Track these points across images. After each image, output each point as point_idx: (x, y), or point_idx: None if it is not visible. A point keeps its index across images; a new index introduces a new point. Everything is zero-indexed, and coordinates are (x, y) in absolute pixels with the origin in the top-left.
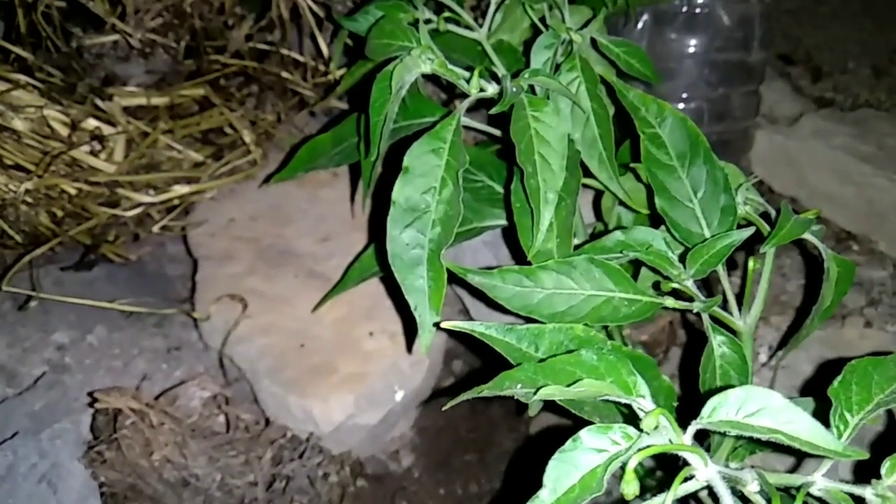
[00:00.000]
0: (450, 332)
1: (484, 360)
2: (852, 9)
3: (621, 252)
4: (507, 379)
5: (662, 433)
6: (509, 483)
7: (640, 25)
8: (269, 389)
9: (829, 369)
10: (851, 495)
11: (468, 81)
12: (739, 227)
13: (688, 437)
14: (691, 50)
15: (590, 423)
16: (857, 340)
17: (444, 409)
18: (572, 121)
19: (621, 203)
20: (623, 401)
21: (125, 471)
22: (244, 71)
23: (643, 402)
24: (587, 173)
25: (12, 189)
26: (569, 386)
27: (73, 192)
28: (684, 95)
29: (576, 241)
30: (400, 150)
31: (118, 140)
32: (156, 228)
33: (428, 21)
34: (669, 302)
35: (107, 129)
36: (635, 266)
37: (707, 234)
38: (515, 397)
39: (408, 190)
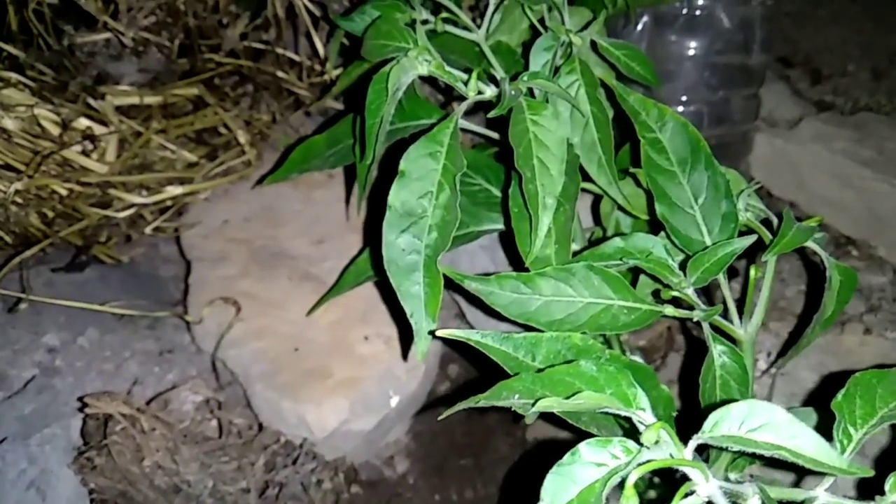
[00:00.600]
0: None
1: (480, 365)
2: (852, 11)
3: (621, 259)
4: (505, 389)
5: (663, 447)
6: (505, 489)
7: (639, 27)
8: (262, 394)
9: (830, 378)
10: None
11: (466, 84)
12: (741, 234)
13: (688, 452)
14: (691, 52)
15: (587, 433)
16: (856, 347)
17: (440, 418)
18: (571, 124)
19: (620, 208)
20: (623, 413)
21: (115, 477)
22: (239, 70)
23: (643, 415)
24: (586, 177)
25: (2, 190)
26: (568, 398)
27: (64, 192)
28: (684, 98)
29: (574, 247)
30: (396, 153)
31: (110, 140)
32: (148, 230)
33: (425, 21)
34: (669, 310)
35: (99, 129)
36: (634, 273)
37: (708, 241)
38: (513, 408)
39: (404, 194)
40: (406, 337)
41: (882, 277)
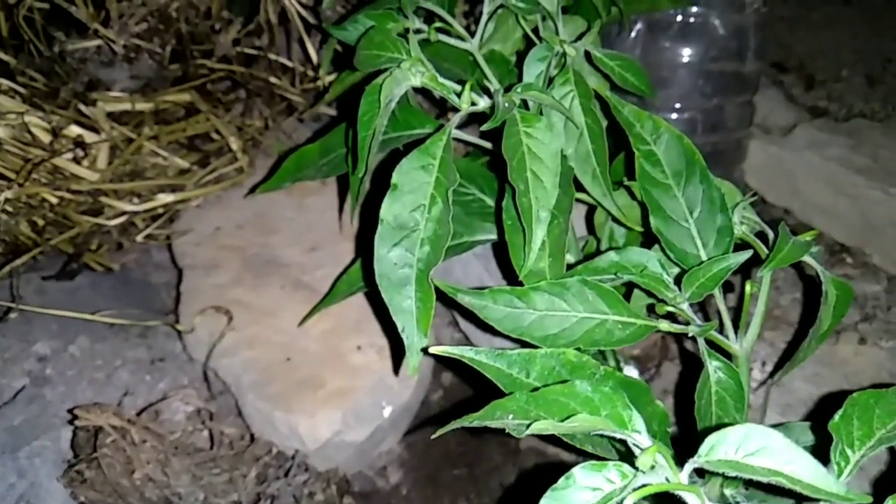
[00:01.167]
0: (437, 343)
1: (473, 374)
2: (846, 16)
3: (615, 274)
4: (499, 409)
5: (658, 471)
6: (499, 499)
7: (633, 34)
8: (254, 404)
9: (823, 386)
10: None
11: (459, 95)
12: (736, 247)
13: (685, 476)
14: (685, 60)
15: (581, 451)
16: (851, 357)
17: (433, 437)
18: (566, 135)
19: (614, 219)
20: (618, 436)
21: (106, 490)
22: (231, 76)
23: (638, 438)
24: (580, 188)
25: None
26: (563, 420)
27: (54, 200)
28: (678, 105)
29: (569, 258)
30: (390, 163)
31: (101, 146)
32: (140, 238)
33: (418, 31)
34: (664, 325)
35: (90, 136)
36: (628, 286)
37: (703, 254)
38: (506, 430)
39: (396, 207)
40: (397, 351)
41: (876, 286)
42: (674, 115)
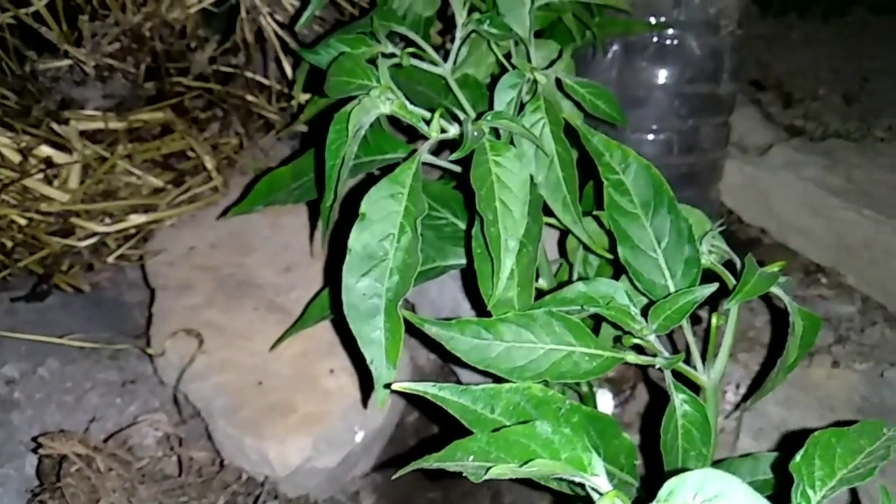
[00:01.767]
0: (414, 364)
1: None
2: (824, 35)
3: (582, 306)
4: (459, 449)
5: None
6: None
7: (609, 56)
8: (224, 430)
9: (795, 409)
10: None
11: (429, 123)
12: (704, 277)
13: None
14: (661, 81)
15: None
16: (824, 380)
17: (393, 478)
18: (536, 163)
19: (585, 246)
20: (577, 480)
21: None
22: (208, 94)
23: (598, 482)
24: (552, 213)
25: None
26: (522, 464)
27: (23, 222)
28: (654, 126)
29: (541, 283)
30: (362, 188)
31: (73, 166)
32: (111, 259)
33: (391, 55)
34: (631, 357)
35: (62, 156)
36: (597, 316)
37: (671, 285)
38: (464, 473)
39: (365, 237)
40: (365, 382)
41: (850, 307)
42: (650, 136)
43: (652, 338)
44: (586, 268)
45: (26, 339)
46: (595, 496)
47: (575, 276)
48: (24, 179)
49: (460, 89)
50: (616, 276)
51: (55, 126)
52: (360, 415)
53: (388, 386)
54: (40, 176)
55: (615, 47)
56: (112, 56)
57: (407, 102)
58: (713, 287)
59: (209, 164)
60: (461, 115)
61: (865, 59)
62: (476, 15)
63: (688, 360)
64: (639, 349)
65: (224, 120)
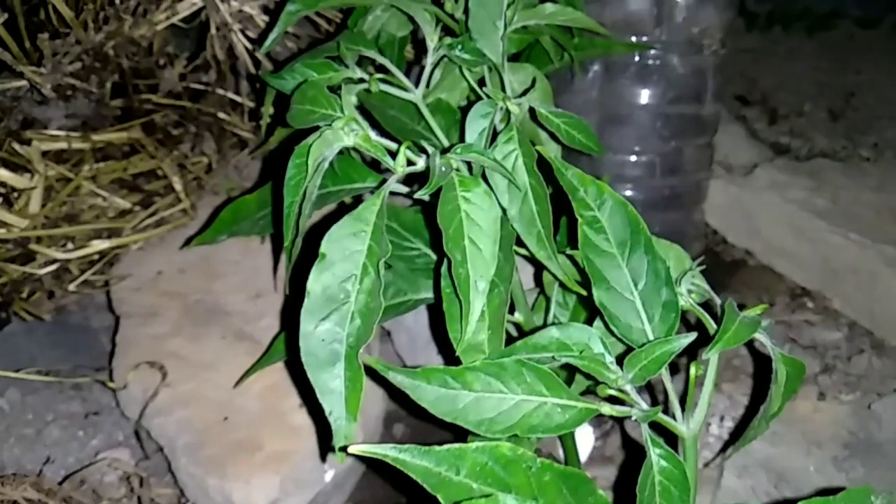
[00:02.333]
0: (390, 393)
1: (427, 423)
2: (809, 49)
3: (554, 356)
4: None
5: None
6: None
7: (590, 75)
8: (187, 469)
9: (781, 445)
10: None
11: (395, 156)
12: (683, 320)
13: None
14: (643, 102)
15: None
16: (810, 414)
17: None
18: (509, 196)
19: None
20: None
21: None
22: (179, 112)
23: None
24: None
25: None
26: None
27: None
28: (636, 148)
29: (517, 316)
30: (333, 219)
31: (36, 188)
32: (72, 287)
33: (360, 80)
34: (606, 409)
35: (22, 178)
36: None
37: (648, 329)
38: None
39: (325, 278)
40: (323, 434)
41: (837, 333)
42: (632, 158)
43: (628, 388)
44: (565, 300)
45: None
46: None
47: (552, 310)
48: None
49: (433, 115)
50: (592, 314)
51: (17, 146)
52: (330, 452)
53: (344, 449)
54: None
55: (596, 67)
56: (74, 75)
57: (372, 134)
58: (691, 337)
59: (177, 185)
60: (429, 149)
61: (851, 73)
62: (447, 39)
63: (666, 409)
64: (614, 399)
65: (196, 138)
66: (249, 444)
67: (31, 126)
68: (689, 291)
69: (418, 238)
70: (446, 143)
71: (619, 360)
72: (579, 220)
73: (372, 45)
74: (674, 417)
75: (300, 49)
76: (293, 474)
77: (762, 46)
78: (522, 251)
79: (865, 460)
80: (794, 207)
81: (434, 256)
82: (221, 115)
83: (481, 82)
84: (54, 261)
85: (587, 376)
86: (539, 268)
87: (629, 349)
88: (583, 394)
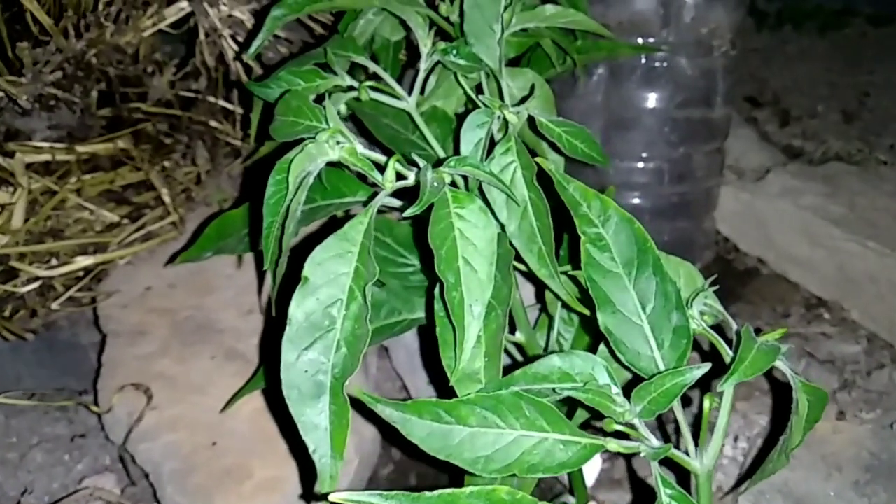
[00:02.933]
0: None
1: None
2: (820, 49)
3: (555, 389)
4: None
5: None
6: None
7: (594, 78)
8: (172, 498)
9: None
10: None
11: (384, 169)
12: (696, 346)
13: None
14: (651, 106)
15: None
16: (829, 435)
17: None
18: (508, 211)
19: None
20: None
21: None
22: (169, 120)
23: None
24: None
25: None
26: None
27: None
28: (643, 154)
29: (518, 336)
30: (324, 234)
31: (18, 202)
32: (56, 305)
33: (350, 88)
34: (612, 445)
35: (5, 191)
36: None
37: (658, 356)
38: None
39: (309, 304)
40: (307, 473)
41: (856, 346)
42: (639, 165)
43: (636, 421)
44: (570, 317)
45: None
46: None
47: (556, 328)
48: None
49: (428, 124)
50: (596, 338)
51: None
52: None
53: (325, 497)
54: None
55: (600, 70)
56: (56, 85)
57: (359, 146)
58: (705, 368)
59: (166, 197)
60: (421, 162)
61: (864, 73)
62: (441, 44)
63: (677, 443)
64: (621, 434)
65: (188, 148)
66: (238, 471)
67: (15, 138)
68: (702, 313)
69: (414, 254)
70: (442, 154)
71: (626, 391)
72: (582, 237)
73: (361, 51)
74: (686, 452)
75: (293, 54)
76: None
77: (772, 46)
78: (522, 267)
79: (888, 485)
80: (808, 214)
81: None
82: (213, 123)
83: (478, 89)
84: (37, 278)
85: (590, 410)
86: (541, 284)
87: (636, 377)
88: (583, 425)
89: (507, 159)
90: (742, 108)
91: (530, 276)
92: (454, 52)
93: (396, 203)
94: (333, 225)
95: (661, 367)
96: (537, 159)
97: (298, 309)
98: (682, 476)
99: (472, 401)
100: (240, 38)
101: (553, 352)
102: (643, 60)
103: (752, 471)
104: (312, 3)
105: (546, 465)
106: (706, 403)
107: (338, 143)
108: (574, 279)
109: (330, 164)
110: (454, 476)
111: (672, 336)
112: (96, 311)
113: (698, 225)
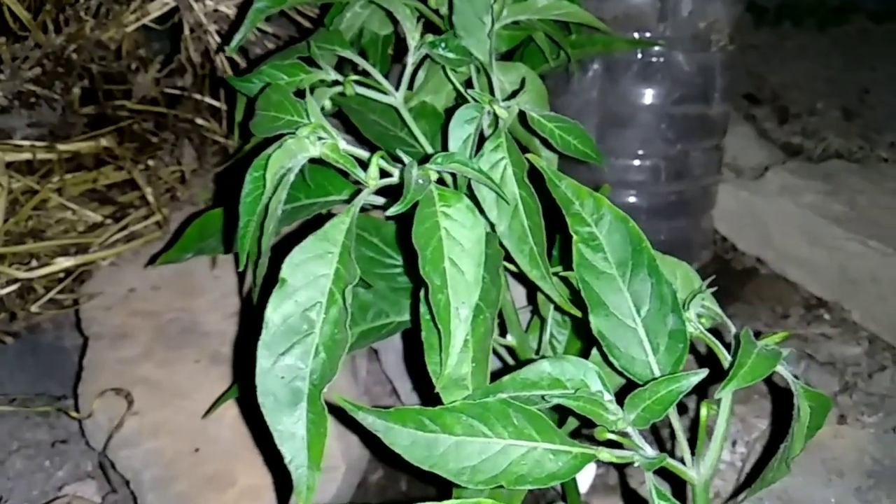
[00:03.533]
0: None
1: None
2: (820, 45)
3: (543, 396)
4: None
5: None
6: None
7: (589, 74)
8: None
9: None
10: None
11: (367, 166)
12: (692, 350)
13: None
14: (647, 102)
15: None
16: (830, 440)
17: None
18: (498, 209)
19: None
20: None
21: None
22: (156, 118)
23: None
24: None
25: None
26: None
27: None
28: (640, 152)
29: (509, 339)
30: (307, 231)
31: None
32: (35, 307)
33: (336, 83)
34: (605, 455)
35: None
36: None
37: (653, 361)
38: None
39: (287, 307)
40: (282, 486)
41: (857, 348)
42: (635, 162)
43: (630, 430)
44: (563, 318)
45: None
46: None
47: (548, 330)
48: None
49: (416, 120)
50: (589, 342)
51: None
52: None
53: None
54: None
55: (595, 66)
56: (35, 81)
57: (342, 143)
58: (702, 374)
59: (150, 196)
60: (405, 158)
61: (865, 69)
62: (430, 37)
63: (673, 452)
64: (614, 442)
65: (174, 146)
66: (221, 478)
67: None
68: (699, 316)
69: (401, 253)
70: (430, 151)
71: (620, 397)
72: (574, 237)
73: (347, 45)
74: (682, 461)
75: (278, 48)
76: None
77: (772, 42)
78: (513, 267)
79: (891, 491)
80: (808, 212)
81: None
82: (199, 121)
83: (468, 83)
84: (17, 280)
85: (581, 418)
86: (532, 286)
87: (630, 383)
88: (573, 433)
89: (497, 156)
90: (740, 105)
91: (521, 277)
92: (443, 45)
93: (381, 201)
94: (314, 224)
95: (656, 373)
96: (528, 156)
97: (275, 312)
98: (678, 485)
99: (457, 408)
100: (225, 34)
101: (545, 356)
102: (639, 55)
103: (750, 478)
104: None
105: (535, 475)
106: (703, 412)
107: (319, 138)
108: (566, 280)
109: (314, 161)
110: (441, 487)
111: (668, 340)
112: (78, 314)
113: (696, 224)
